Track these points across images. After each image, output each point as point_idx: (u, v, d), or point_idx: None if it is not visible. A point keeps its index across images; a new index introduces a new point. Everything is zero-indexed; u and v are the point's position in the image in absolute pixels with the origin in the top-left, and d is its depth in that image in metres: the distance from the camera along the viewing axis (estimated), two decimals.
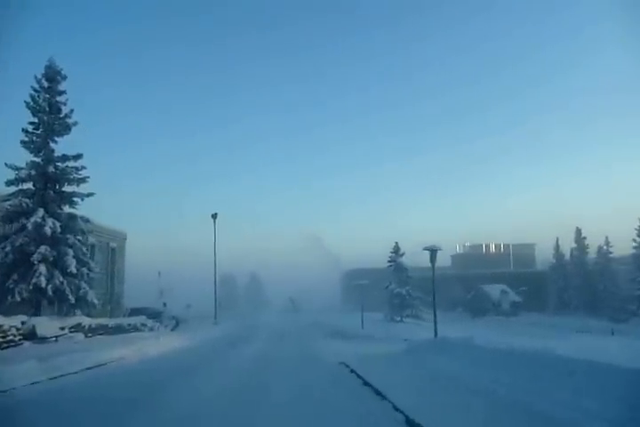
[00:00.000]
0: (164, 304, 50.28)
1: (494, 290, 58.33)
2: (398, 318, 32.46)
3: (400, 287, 34.12)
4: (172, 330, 35.46)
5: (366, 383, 10.26)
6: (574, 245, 68.58)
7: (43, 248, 21.63)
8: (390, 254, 35.35)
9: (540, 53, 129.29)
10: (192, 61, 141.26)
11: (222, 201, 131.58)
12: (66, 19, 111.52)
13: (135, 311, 40.01)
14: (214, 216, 41.78)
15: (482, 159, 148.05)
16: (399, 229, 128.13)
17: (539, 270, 77.24)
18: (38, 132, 23.57)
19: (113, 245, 46.70)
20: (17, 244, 21.71)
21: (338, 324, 31.77)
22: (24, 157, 23.26)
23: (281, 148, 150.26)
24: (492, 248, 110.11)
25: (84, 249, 23.65)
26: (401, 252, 35.18)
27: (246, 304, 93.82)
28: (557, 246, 71.21)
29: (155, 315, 37.06)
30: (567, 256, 68.16)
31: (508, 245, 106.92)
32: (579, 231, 68.36)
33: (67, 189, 24.09)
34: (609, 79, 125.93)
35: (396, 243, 35.30)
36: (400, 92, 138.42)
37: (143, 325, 29.05)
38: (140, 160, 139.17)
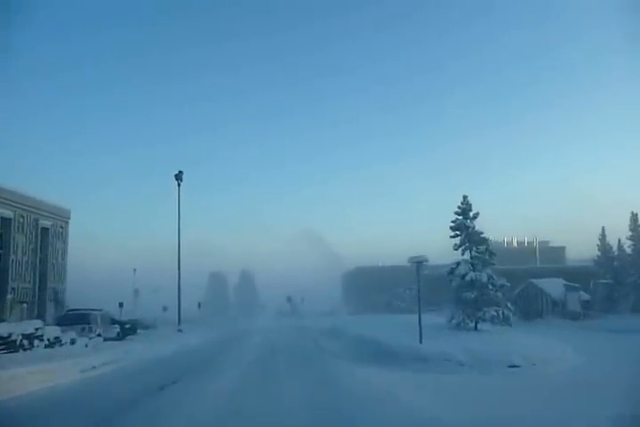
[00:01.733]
0: (120, 304, 38.85)
1: (554, 286, 44.77)
2: (471, 323, 18.60)
3: (476, 271, 19.71)
4: (106, 340, 23.32)
5: None
6: (630, 233, 57.12)
7: None
8: (455, 218, 19.89)
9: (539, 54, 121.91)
10: (199, 63, 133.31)
11: (219, 199, 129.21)
12: (65, 20, 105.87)
13: (70, 315, 29.39)
14: (178, 177, 29.66)
15: (488, 155, 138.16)
16: (402, 229, 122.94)
17: (580, 265, 65.79)
18: None
19: (45, 223, 34.42)
20: None
21: (366, 333, 19.21)
22: None
23: (285, 147, 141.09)
24: (515, 243, 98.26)
25: None
26: (473, 212, 20.01)
27: (237, 307, 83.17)
28: (604, 236, 59.92)
29: (80, 319, 24.94)
30: (599, 252, 57.21)
31: (533, 241, 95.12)
32: (634, 217, 56.75)
33: None
34: None
35: (465, 197, 20.40)
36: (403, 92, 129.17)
37: (31, 337, 16.44)
38: (136, 163, 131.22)
